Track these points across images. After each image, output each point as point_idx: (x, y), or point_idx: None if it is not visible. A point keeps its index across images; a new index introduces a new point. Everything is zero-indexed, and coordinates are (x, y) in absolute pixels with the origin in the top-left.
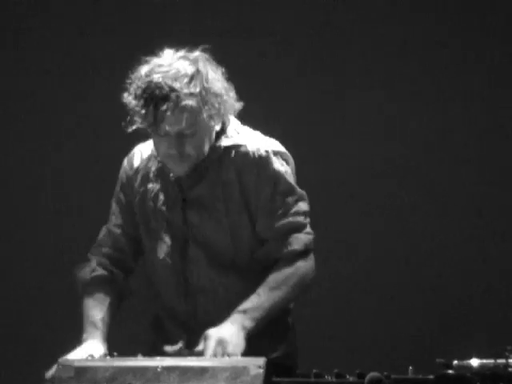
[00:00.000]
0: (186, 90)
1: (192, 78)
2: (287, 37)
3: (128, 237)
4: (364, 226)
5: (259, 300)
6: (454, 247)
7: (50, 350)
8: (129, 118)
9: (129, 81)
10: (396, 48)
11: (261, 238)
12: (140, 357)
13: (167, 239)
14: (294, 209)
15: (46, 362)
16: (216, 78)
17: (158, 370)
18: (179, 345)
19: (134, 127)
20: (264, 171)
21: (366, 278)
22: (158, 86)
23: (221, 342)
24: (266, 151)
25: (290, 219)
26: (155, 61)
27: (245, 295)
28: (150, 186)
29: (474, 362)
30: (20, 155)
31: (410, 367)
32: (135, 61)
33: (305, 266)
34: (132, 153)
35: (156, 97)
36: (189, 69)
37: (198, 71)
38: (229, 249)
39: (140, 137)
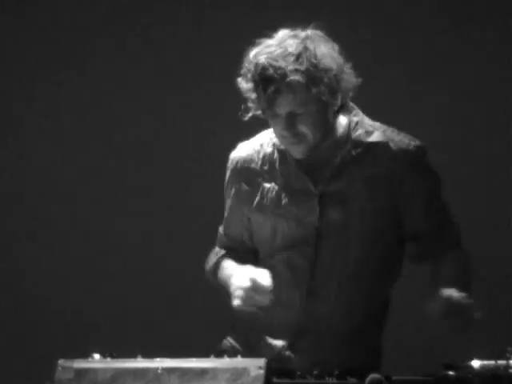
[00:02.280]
0: (291, 67)
1: (298, 56)
2: None
3: (244, 243)
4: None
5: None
6: None
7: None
8: (244, 105)
9: (243, 64)
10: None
11: (410, 236)
12: (140, 358)
13: (299, 239)
14: (445, 206)
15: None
16: (327, 53)
17: (159, 371)
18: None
19: (250, 114)
20: (422, 168)
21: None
22: (264, 67)
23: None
24: (421, 148)
25: (442, 213)
26: (265, 42)
27: (351, 304)
28: (267, 185)
29: (475, 363)
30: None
31: (411, 368)
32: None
33: (466, 255)
34: (239, 152)
35: (263, 79)
36: (296, 47)
37: (305, 48)
38: (357, 253)
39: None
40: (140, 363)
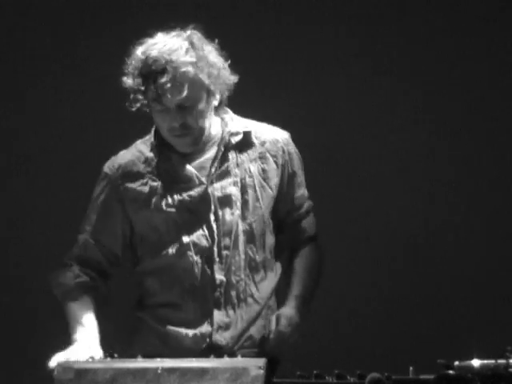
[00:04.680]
0: (182, 59)
1: (187, 49)
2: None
3: (112, 247)
4: (363, 226)
5: (305, 284)
6: (456, 247)
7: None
8: (131, 97)
9: (126, 65)
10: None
11: (279, 214)
12: (140, 358)
13: (191, 228)
14: (305, 194)
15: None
16: (211, 49)
17: (158, 371)
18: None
19: (137, 105)
20: (291, 154)
21: (366, 278)
22: (155, 60)
23: (291, 322)
24: (286, 134)
25: (306, 194)
26: (149, 41)
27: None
28: (152, 183)
29: (475, 363)
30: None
31: (411, 368)
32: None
33: (319, 252)
34: (112, 158)
35: (154, 71)
36: (183, 43)
37: (192, 43)
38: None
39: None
40: (140, 363)
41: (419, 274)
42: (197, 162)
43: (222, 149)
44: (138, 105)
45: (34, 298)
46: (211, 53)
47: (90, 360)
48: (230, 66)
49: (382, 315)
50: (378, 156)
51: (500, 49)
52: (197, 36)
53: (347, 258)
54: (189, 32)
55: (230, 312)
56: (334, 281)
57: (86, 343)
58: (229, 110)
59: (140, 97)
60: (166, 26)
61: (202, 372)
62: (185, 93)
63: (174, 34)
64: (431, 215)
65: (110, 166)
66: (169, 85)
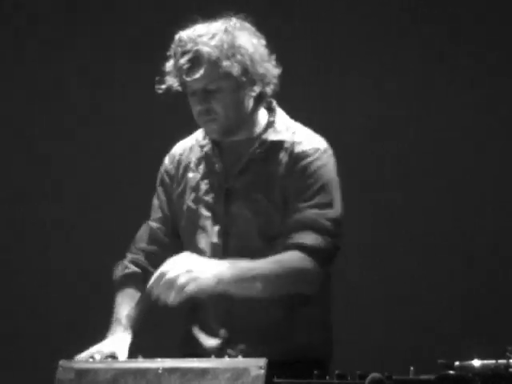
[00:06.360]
0: (205, 41)
1: (215, 34)
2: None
3: (167, 232)
4: (368, 225)
5: (251, 264)
6: (456, 247)
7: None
8: (158, 77)
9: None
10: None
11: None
12: (140, 358)
13: (209, 229)
14: (323, 211)
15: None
16: (246, 39)
17: (159, 371)
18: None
19: (163, 86)
20: (306, 167)
21: (366, 278)
22: (181, 41)
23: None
24: (314, 149)
25: (313, 216)
26: (192, 26)
27: None
28: (191, 175)
29: (476, 363)
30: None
31: (411, 368)
32: None
33: (304, 262)
34: (172, 149)
35: (179, 51)
36: (218, 28)
37: (225, 29)
38: (259, 244)
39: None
40: (141, 363)
41: (419, 273)
42: (227, 160)
43: (247, 157)
44: (164, 86)
45: (34, 298)
46: (245, 41)
47: (91, 360)
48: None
49: (382, 315)
50: (378, 158)
51: None
52: (237, 24)
53: (347, 258)
54: (232, 19)
55: None
56: (333, 281)
57: (112, 342)
58: (279, 112)
59: (168, 78)
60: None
61: (203, 372)
62: (200, 73)
63: (221, 20)
64: (431, 214)
65: (169, 153)
66: (187, 65)
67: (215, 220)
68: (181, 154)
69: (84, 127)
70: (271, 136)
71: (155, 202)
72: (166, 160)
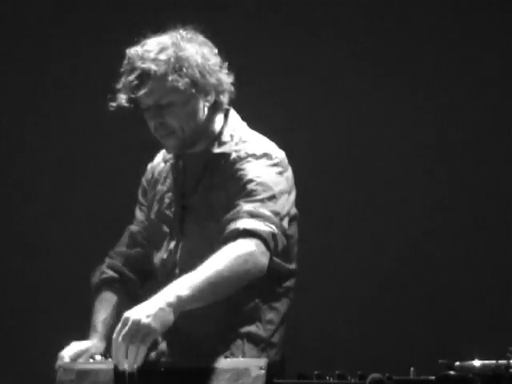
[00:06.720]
0: (152, 57)
1: (163, 48)
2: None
3: (147, 236)
4: (364, 225)
5: (190, 277)
6: (457, 248)
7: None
8: (110, 95)
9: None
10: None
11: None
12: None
13: (164, 244)
14: (263, 203)
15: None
16: (195, 50)
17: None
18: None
19: (114, 104)
20: (243, 168)
21: (367, 278)
22: (130, 57)
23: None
24: (253, 152)
25: (250, 208)
26: (141, 42)
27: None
28: (159, 187)
29: (476, 363)
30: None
31: (412, 368)
32: None
33: (239, 246)
34: (155, 157)
35: (128, 69)
36: (165, 42)
37: (172, 43)
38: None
39: None
40: (142, 365)
41: (420, 274)
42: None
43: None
44: (115, 104)
45: (33, 298)
46: (197, 53)
47: (92, 361)
48: (229, 68)
49: (382, 315)
50: (378, 159)
51: None
52: (184, 36)
53: (347, 258)
54: (178, 32)
55: None
56: (334, 281)
57: (89, 345)
58: (233, 121)
59: (120, 96)
60: (168, 27)
61: (203, 373)
62: (147, 89)
63: (164, 34)
64: (430, 215)
65: (152, 162)
66: (135, 82)
67: (171, 236)
68: (157, 165)
69: (83, 127)
70: (216, 149)
71: (136, 207)
72: (148, 168)
